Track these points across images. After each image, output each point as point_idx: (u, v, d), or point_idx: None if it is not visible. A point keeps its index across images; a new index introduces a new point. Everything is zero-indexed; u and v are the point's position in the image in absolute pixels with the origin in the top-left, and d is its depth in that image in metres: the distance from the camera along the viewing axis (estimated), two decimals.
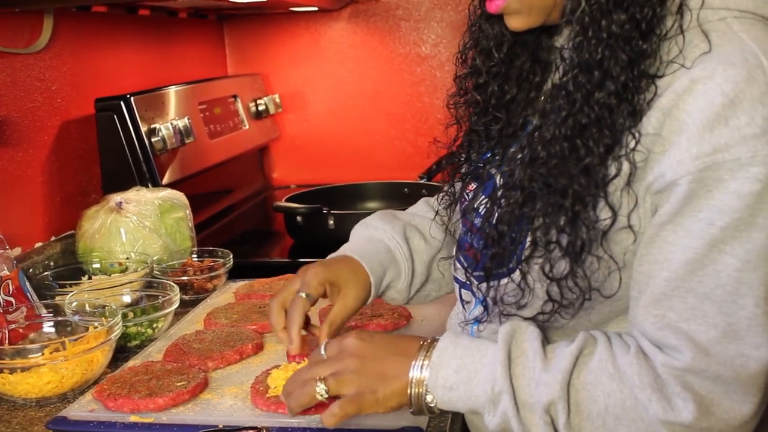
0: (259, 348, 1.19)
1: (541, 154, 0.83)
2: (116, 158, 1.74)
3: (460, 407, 0.85)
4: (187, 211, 1.64)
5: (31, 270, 1.41)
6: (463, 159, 1.02)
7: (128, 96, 1.73)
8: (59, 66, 1.65)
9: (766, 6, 0.82)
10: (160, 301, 1.30)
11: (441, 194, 1.08)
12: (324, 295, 1.03)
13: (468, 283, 0.98)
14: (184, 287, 1.46)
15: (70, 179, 1.68)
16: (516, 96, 0.96)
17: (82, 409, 1.03)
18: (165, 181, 1.77)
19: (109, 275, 1.45)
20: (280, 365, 1.06)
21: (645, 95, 0.79)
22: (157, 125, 1.78)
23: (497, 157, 0.97)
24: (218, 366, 1.14)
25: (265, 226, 2.26)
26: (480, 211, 0.95)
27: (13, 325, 1.20)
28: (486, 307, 0.94)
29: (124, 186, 1.63)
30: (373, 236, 1.10)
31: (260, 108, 2.37)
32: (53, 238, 1.61)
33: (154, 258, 1.50)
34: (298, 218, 1.81)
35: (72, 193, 1.69)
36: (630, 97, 0.79)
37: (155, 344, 1.24)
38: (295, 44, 2.48)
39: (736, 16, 0.80)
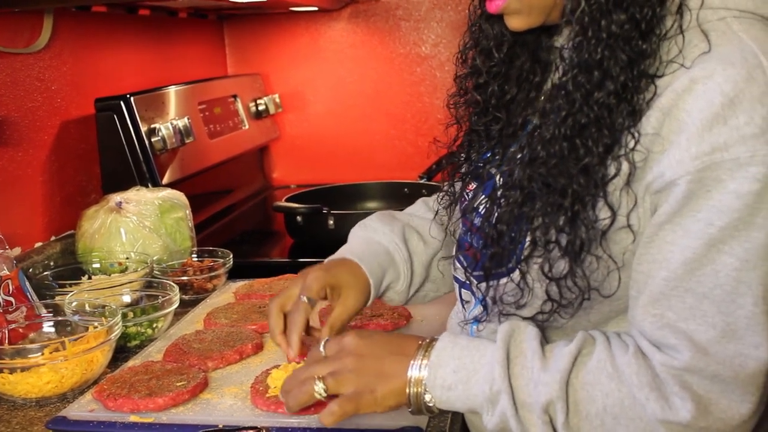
0: (258, 348, 1.19)
1: (541, 154, 0.83)
2: (116, 158, 1.74)
3: (458, 407, 0.85)
4: (187, 211, 1.64)
5: (30, 270, 1.41)
6: (463, 159, 1.03)
7: (128, 96, 1.73)
8: (59, 66, 1.65)
9: (766, 6, 0.82)
10: (159, 301, 1.30)
11: (441, 194, 1.07)
12: (324, 298, 1.03)
13: (468, 282, 0.98)
14: (183, 287, 1.46)
15: (70, 179, 1.68)
16: (516, 96, 0.96)
17: (82, 409, 1.03)
18: (165, 181, 1.77)
19: (109, 275, 1.45)
20: (279, 365, 1.06)
21: (644, 95, 0.79)
22: (157, 125, 1.78)
23: (497, 157, 0.97)
24: (218, 366, 1.14)
25: (265, 226, 2.26)
26: (480, 210, 0.95)
27: (13, 325, 1.20)
28: (485, 307, 0.94)
29: (123, 186, 1.63)
30: (371, 238, 1.10)
31: (260, 108, 2.37)
32: (53, 238, 1.61)
33: (154, 258, 1.50)
34: (298, 218, 1.81)
35: (72, 193, 1.69)
36: (629, 97, 0.79)
37: (155, 344, 1.24)
38: (295, 44, 2.48)
39: (735, 15, 0.80)
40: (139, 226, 1.52)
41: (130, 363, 1.17)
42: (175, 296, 1.29)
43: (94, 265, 1.49)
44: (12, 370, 1.05)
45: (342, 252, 1.08)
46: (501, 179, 0.92)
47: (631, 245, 0.82)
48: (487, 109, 0.98)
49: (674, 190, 0.76)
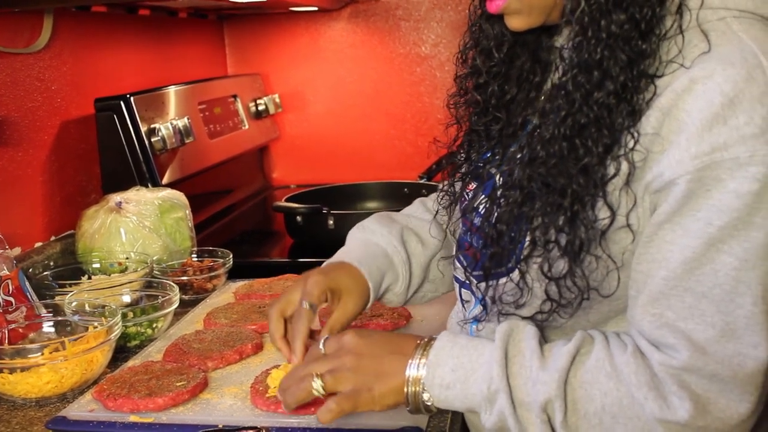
0: (258, 348, 1.19)
1: (540, 154, 0.83)
2: (116, 158, 1.74)
3: (457, 406, 0.85)
4: (187, 211, 1.64)
5: (30, 270, 1.41)
6: (463, 159, 1.03)
7: (128, 96, 1.73)
8: (59, 66, 1.65)
9: (766, 6, 0.82)
10: (159, 301, 1.30)
11: (441, 194, 1.07)
12: (324, 302, 1.03)
13: (467, 282, 0.98)
14: (183, 287, 1.46)
15: (69, 179, 1.68)
16: (516, 96, 0.96)
17: (82, 409, 1.03)
18: (165, 181, 1.77)
19: (109, 275, 1.45)
20: (279, 365, 1.07)
21: (644, 95, 0.79)
22: (156, 125, 1.78)
23: (497, 157, 0.97)
24: (218, 366, 1.14)
25: (264, 226, 2.26)
26: (480, 210, 0.95)
27: (13, 325, 1.20)
28: (485, 306, 0.94)
29: (123, 186, 1.63)
30: (370, 240, 1.10)
31: (260, 108, 2.37)
32: (53, 238, 1.61)
33: (154, 258, 1.50)
34: (298, 218, 1.80)
35: (72, 192, 1.69)
36: (629, 97, 0.79)
37: (155, 344, 1.24)
38: (295, 44, 2.48)
39: (735, 15, 0.80)
40: (139, 226, 1.52)
41: (130, 363, 1.17)
42: (175, 296, 1.30)
43: (94, 265, 1.49)
44: (12, 370, 1.05)
45: (341, 255, 1.08)
46: (501, 179, 0.92)
47: (631, 245, 0.82)
48: (487, 109, 0.98)
49: (674, 190, 0.76)
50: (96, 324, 1.17)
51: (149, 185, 1.72)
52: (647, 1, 0.79)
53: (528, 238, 0.85)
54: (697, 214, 0.75)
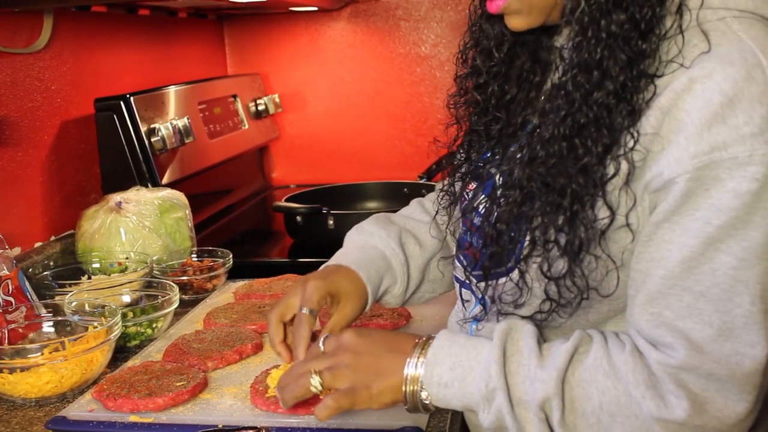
0: (258, 348, 1.19)
1: (540, 154, 0.84)
2: (116, 158, 1.74)
3: (455, 404, 0.85)
4: (187, 211, 1.64)
5: (30, 270, 1.41)
6: (463, 158, 1.03)
7: (128, 96, 1.73)
8: (59, 66, 1.65)
9: (765, 5, 0.82)
10: (159, 301, 1.30)
11: (441, 194, 1.07)
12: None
13: (467, 282, 0.98)
14: (183, 287, 1.46)
15: (69, 179, 1.68)
16: (516, 96, 0.96)
17: (82, 409, 1.03)
18: (165, 180, 1.77)
19: (109, 275, 1.45)
20: (279, 365, 1.06)
21: (644, 95, 0.79)
22: (156, 125, 1.78)
23: (497, 157, 0.97)
24: (218, 366, 1.14)
25: (264, 226, 2.26)
26: (479, 210, 0.95)
27: (13, 325, 1.20)
28: (484, 306, 0.94)
29: (123, 186, 1.63)
30: (368, 242, 1.09)
31: (260, 108, 2.37)
32: (53, 238, 1.61)
33: (154, 258, 1.50)
34: (298, 218, 1.80)
35: (71, 192, 1.69)
36: (629, 96, 0.79)
37: (155, 344, 1.24)
38: (295, 44, 2.48)
39: (735, 15, 0.80)
40: (138, 226, 1.52)
41: (130, 363, 1.17)
42: (175, 296, 1.29)
43: (94, 265, 1.49)
44: (12, 370, 1.05)
45: (339, 258, 1.08)
46: (501, 179, 0.92)
47: (630, 244, 0.82)
48: (487, 108, 0.98)
49: (673, 189, 0.76)
50: (96, 324, 1.17)
51: (149, 185, 1.72)
52: (647, 1, 0.79)
53: (528, 238, 0.85)
54: (696, 213, 0.75)
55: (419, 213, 1.17)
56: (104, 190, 1.72)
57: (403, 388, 0.86)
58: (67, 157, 1.68)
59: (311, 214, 1.78)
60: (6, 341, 1.17)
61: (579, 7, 0.80)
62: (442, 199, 1.07)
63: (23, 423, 1.03)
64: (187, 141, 1.87)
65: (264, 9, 2.36)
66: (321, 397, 0.87)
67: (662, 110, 0.78)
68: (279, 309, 1.02)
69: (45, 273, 1.42)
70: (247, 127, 2.29)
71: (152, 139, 1.76)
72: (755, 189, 0.73)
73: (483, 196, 0.95)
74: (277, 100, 2.47)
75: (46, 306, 1.27)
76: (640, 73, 0.79)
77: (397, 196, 2.07)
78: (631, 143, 0.79)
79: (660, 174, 0.77)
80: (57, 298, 1.29)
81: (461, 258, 1.00)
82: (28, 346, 1.13)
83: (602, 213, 0.81)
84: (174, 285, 1.33)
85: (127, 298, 1.35)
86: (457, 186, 1.03)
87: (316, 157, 2.54)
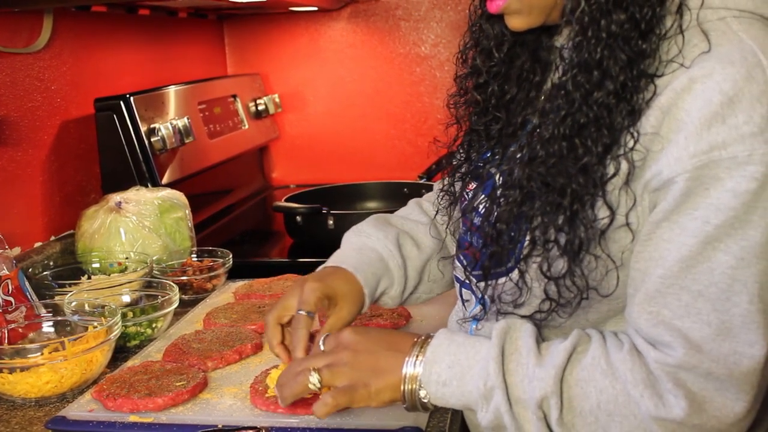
0: (258, 348, 1.19)
1: (540, 154, 0.84)
2: (116, 158, 1.74)
3: (453, 403, 0.85)
4: (187, 211, 1.64)
5: (30, 270, 1.41)
6: (462, 158, 1.03)
7: (128, 96, 1.73)
8: (59, 66, 1.65)
9: (765, 5, 0.82)
10: (159, 300, 1.30)
11: (441, 194, 1.07)
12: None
13: (468, 282, 0.98)
14: (183, 287, 1.46)
15: (69, 179, 1.68)
16: (516, 96, 0.96)
17: (82, 408, 1.03)
18: (164, 180, 1.77)
19: (109, 275, 1.45)
20: (279, 365, 1.06)
21: (644, 95, 0.79)
22: (156, 125, 1.78)
23: (497, 157, 0.97)
24: (217, 366, 1.14)
25: (264, 226, 2.26)
26: (479, 210, 0.95)
27: (13, 325, 1.20)
28: (484, 306, 0.94)
29: (123, 186, 1.63)
30: (365, 244, 1.09)
31: (260, 108, 2.37)
32: (53, 238, 1.61)
33: (154, 258, 1.50)
34: (298, 218, 1.80)
35: (71, 192, 1.69)
36: (629, 96, 0.79)
37: (154, 344, 1.24)
38: (295, 44, 2.48)
39: (735, 15, 0.80)
40: (138, 226, 1.52)
41: (130, 363, 1.17)
42: (175, 296, 1.29)
43: (94, 265, 1.49)
44: (11, 370, 1.05)
45: (336, 260, 1.07)
46: (501, 179, 0.92)
47: (630, 244, 0.82)
48: (487, 108, 0.98)
49: (672, 188, 0.76)
50: (96, 324, 1.17)
51: (149, 185, 1.72)
52: (647, 1, 0.79)
53: (527, 238, 0.85)
54: (695, 212, 0.75)
55: (417, 214, 1.17)
56: (104, 190, 1.72)
57: (402, 387, 0.86)
58: (67, 157, 1.68)
59: (311, 214, 1.78)
60: (6, 341, 1.17)
61: (579, 6, 0.80)
62: (442, 199, 1.07)
63: (23, 423, 1.03)
64: (187, 141, 1.87)
65: (264, 9, 2.36)
66: (320, 394, 0.87)
67: (662, 110, 0.78)
68: (276, 311, 1.01)
69: (45, 273, 1.42)
70: (247, 127, 2.29)
71: (152, 139, 1.76)
72: (754, 188, 0.73)
73: (483, 196, 0.95)
74: (277, 100, 2.47)
75: (45, 306, 1.27)
76: (640, 72, 0.79)
77: (397, 196, 2.07)
78: (631, 143, 0.79)
79: (659, 173, 0.77)
80: (57, 298, 1.29)
81: (461, 258, 1.00)
82: (28, 346, 1.13)
83: (602, 213, 0.81)
84: (174, 285, 1.33)
85: (126, 298, 1.35)
86: (457, 186, 1.03)
87: (316, 157, 2.54)
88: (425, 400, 0.86)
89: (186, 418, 0.99)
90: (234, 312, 1.34)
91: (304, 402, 0.94)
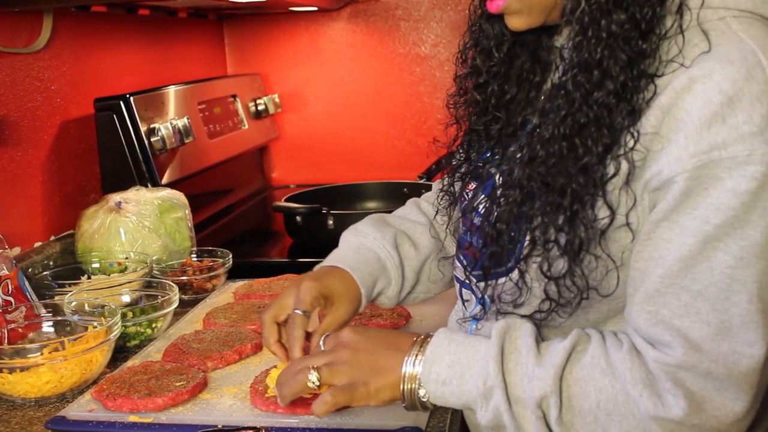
0: (258, 348, 1.19)
1: (540, 153, 0.84)
2: (115, 158, 1.74)
3: (452, 402, 0.85)
4: (187, 211, 1.64)
5: (30, 269, 1.41)
6: (462, 158, 1.03)
7: (128, 96, 1.73)
8: (59, 66, 1.65)
9: (765, 5, 0.82)
10: (159, 300, 1.30)
11: (441, 194, 1.07)
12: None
13: (468, 282, 0.98)
14: (183, 287, 1.46)
15: (69, 179, 1.68)
16: (516, 95, 0.96)
17: (81, 408, 1.03)
18: (164, 180, 1.77)
19: (109, 275, 1.45)
20: (278, 365, 1.06)
21: (644, 94, 0.79)
22: (156, 125, 1.78)
23: (497, 157, 0.97)
24: (217, 366, 1.14)
25: (264, 226, 2.26)
26: (479, 210, 0.95)
27: (13, 325, 1.20)
28: (484, 306, 0.94)
29: (123, 186, 1.63)
30: (363, 244, 1.09)
31: (260, 108, 2.37)
32: (52, 238, 1.61)
33: (154, 258, 1.50)
34: (298, 218, 1.80)
35: (71, 192, 1.69)
36: (629, 96, 0.79)
37: (154, 344, 1.24)
38: (295, 44, 2.48)
39: (735, 15, 0.80)
40: (138, 226, 1.52)
41: (130, 363, 1.17)
42: (175, 296, 1.29)
43: (94, 265, 1.49)
44: (11, 370, 1.05)
45: (333, 259, 1.07)
46: (500, 179, 0.92)
47: (630, 244, 0.82)
48: (486, 108, 0.98)
49: (672, 188, 0.76)
50: (95, 324, 1.17)
51: (149, 185, 1.72)
52: (647, 0, 0.79)
53: (527, 238, 0.85)
54: (695, 212, 0.75)
55: (415, 214, 1.17)
56: (104, 190, 1.72)
57: (401, 386, 0.86)
58: (67, 157, 1.68)
59: (311, 214, 1.78)
60: (6, 341, 1.17)
61: (579, 6, 0.80)
62: (441, 199, 1.07)
63: (23, 423, 1.03)
64: (186, 141, 1.87)
65: (264, 9, 2.36)
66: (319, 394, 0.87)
67: (662, 110, 0.78)
68: (273, 310, 1.02)
69: (45, 273, 1.42)
70: (246, 127, 2.29)
71: (152, 139, 1.76)
72: (754, 188, 0.73)
73: (483, 196, 0.95)
74: (277, 100, 2.47)
75: (45, 306, 1.27)
76: (640, 72, 0.79)
77: (396, 196, 2.07)
78: (631, 143, 0.79)
79: (659, 173, 0.77)
80: (57, 298, 1.29)
81: (461, 258, 1.00)
82: (28, 346, 1.13)
83: (602, 213, 0.81)
84: (173, 285, 1.33)
85: (126, 298, 1.35)
86: (457, 186, 1.03)
87: (316, 157, 2.54)
88: (424, 399, 0.86)
89: (186, 418, 0.99)
90: (234, 312, 1.34)
91: (303, 402, 0.94)
